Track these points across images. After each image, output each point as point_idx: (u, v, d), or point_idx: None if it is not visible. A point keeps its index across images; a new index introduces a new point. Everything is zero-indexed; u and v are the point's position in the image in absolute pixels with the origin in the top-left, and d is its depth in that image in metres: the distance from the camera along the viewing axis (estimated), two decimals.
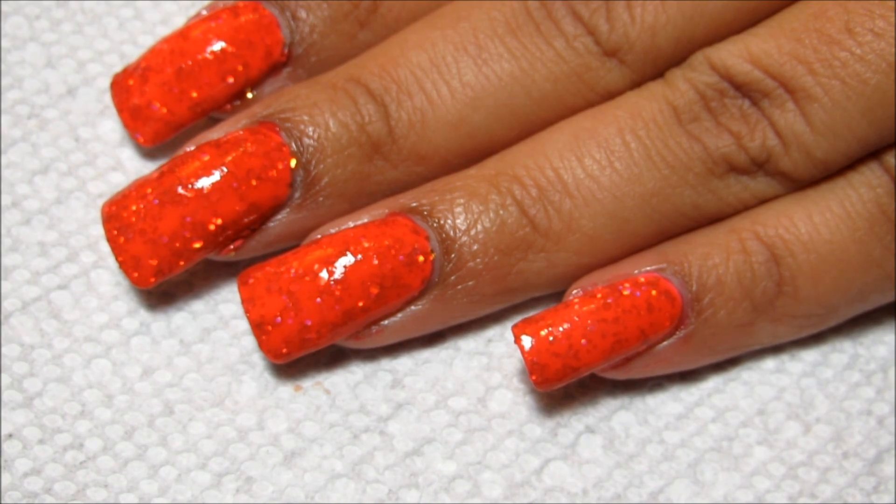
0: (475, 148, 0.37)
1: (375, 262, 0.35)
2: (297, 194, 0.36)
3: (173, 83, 0.37)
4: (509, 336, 0.38)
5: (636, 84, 0.37)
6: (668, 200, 0.36)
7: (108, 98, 0.40)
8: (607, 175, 0.36)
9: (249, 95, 0.38)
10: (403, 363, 0.37)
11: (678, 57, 0.37)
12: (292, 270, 0.35)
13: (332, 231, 0.36)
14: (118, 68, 0.41)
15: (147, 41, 0.41)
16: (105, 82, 0.40)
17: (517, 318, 0.38)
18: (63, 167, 0.39)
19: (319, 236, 0.36)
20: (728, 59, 0.36)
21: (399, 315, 0.36)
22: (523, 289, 0.37)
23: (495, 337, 0.38)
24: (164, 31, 0.41)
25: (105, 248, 0.38)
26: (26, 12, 0.42)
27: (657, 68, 0.37)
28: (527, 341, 0.35)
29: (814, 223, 0.36)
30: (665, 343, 0.36)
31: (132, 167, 0.39)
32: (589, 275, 0.36)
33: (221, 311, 0.38)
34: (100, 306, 0.37)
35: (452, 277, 0.36)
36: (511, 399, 0.37)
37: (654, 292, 0.35)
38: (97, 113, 0.40)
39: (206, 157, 0.35)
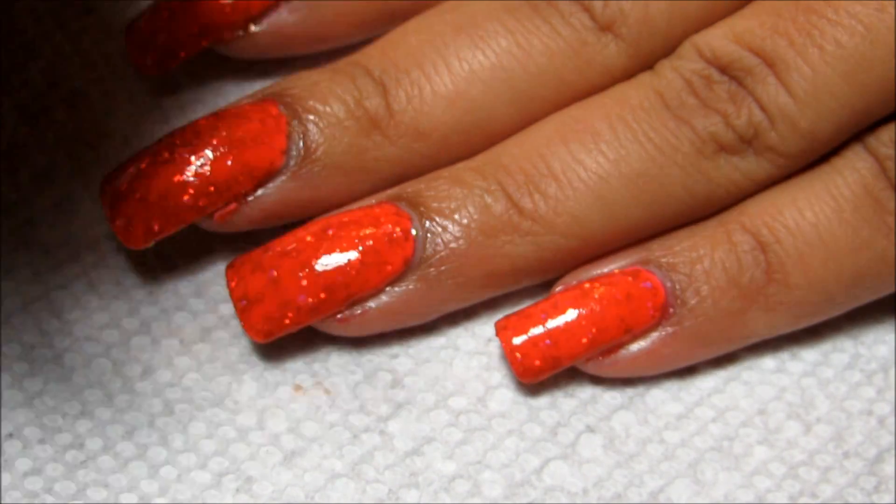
0: (473, 124, 0.37)
1: (356, 239, 0.35)
2: (292, 162, 0.36)
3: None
4: None
5: (633, 61, 0.37)
6: (655, 181, 0.36)
7: (110, 100, 0.41)
8: (593, 157, 0.36)
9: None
10: (403, 363, 0.37)
11: (672, 34, 0.37)
12: (275, 249, 0.36)
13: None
14: (121, 70, 0.41)
15: None
16: (108, 84, 0.41)
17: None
18: (67, 167, 0.39)
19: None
20: (713, 42, 0.36)
21: (383, 296, 0.36)
22: (511, 274, 0.37)
23: (495, 336, 0.38)
24: None
25: (105, 247, 0.38)
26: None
27: (653, 45, 0.37)
28: (507, 334, 0.35)
29: (798, 208, 0.36)
30: (654, 335, 0.36)
31: None
32: (572, 272, 0.37)
33: (222, 311, 0.38)
34: (100, 306, 0.38)
35: (436, 258, 0.36)
36: (511, 399, 0.37)
37: (631, 280, 0.36)
38: (100, 115, 0.40)
39: (203, 122, 0.36)
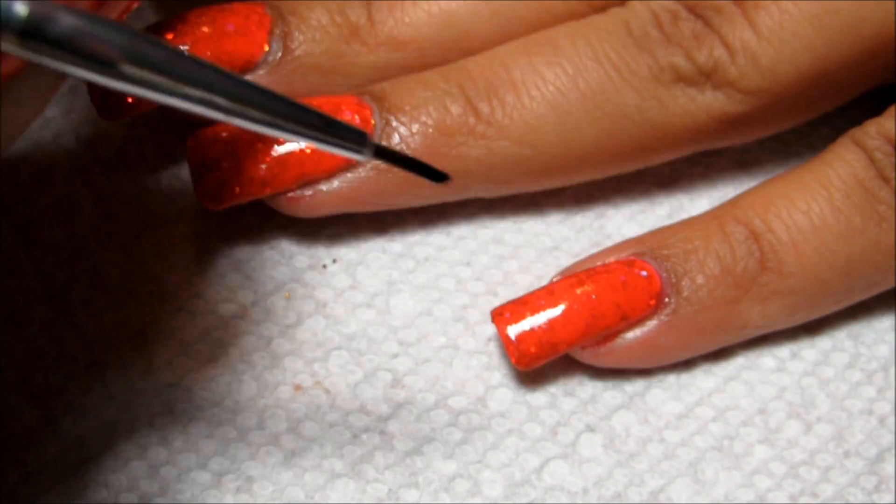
0: (451, 38, 0.38)
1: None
2: (270, 58, 0.38)
3: None
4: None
5: None
6: (610, 100, 0.37)
7: None
8: (552, 70, 0.37)
9: None
10: (403, 362, 0.37)
11: None
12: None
13: None
14: None
15: None
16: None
17: None
18: (64, 169, 0.39)
19: None
20: None
21: (335, 181, 0.37)
22: (463, 175, 0.37)
23: (495, 336, 0.38)
24: None
25: (105, 247, 0.38)
26: None
27: None
28: (503, 320, 0.36)
29: (790, 198, 0.37)
30: (650, 324, 0.36)
31: (133, 168, 0.40)
32: (569, 266, 0.37)
33: (221, 312, 0.38)
34: (102, 307, 0.38)
35: (390, 148, 0.37)
36: (511, 398, 0.37)
37: (627, 268, 0.36)
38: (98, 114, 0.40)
39: (192, 13, 0.38)
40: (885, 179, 0.36)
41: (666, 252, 0.37)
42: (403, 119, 0.37)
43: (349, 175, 0.37)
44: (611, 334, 0.36)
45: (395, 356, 0.37)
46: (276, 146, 0.36)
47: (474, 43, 0.38)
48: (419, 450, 0.36)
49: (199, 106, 0.26)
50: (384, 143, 0.37)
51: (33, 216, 0.39)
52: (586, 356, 0.37)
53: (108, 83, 0.25)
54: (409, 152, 0.37)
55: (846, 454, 0.37)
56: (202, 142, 0.37)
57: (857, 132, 0.37)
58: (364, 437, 0.36)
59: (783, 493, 0.36)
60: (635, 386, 0.37)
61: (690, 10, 0.37)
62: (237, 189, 0.37)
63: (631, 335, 0.36)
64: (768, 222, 0.36)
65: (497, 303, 0.37)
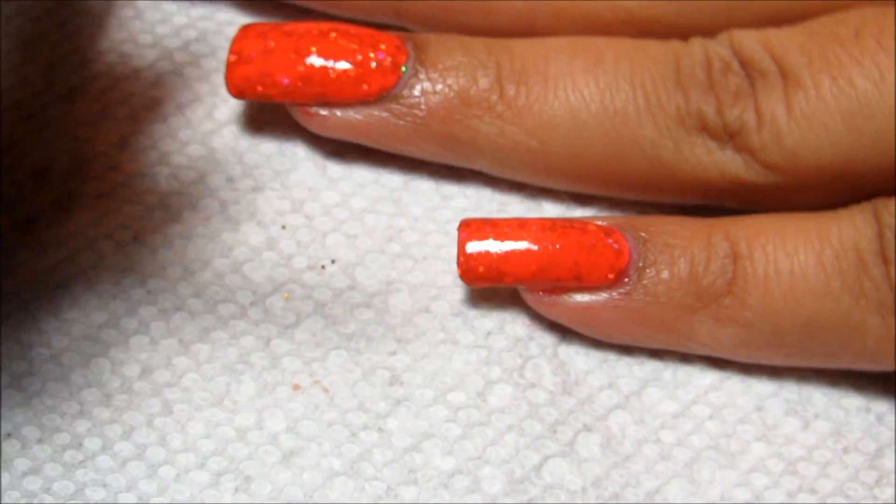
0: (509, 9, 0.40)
1: (350, 53, 0.38)
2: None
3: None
4: (509, 330, 0.38)
5: (645, 8, 0.39)
6: (628, 124, 0.37)
7: (108, 98, 0.41)
8: (585, 78, 0.37)
9: None
10: (401, 359, 0.37)
11: (696, 8, 0.38)
12: (283, 28, 0.38)
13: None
14: (119, 68, 0.41)
15: (147, 39, 0.42)
16: (106, 82, 0.41)
17: (512, 309, 0.38)
18: (63, 167, 0.39)
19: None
20: (745, 39, 0.37)
21: (350, 111, 0.38)
22: (468, 146, 0.38)
23: (494, 330, 0.38)
24: (164, 30, 0.42)
25: (104, 247, 0.38)
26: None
27: (691, 25, 0.38)
28: (466, 231, 0.36)
29: (783, 235, 0.36)
30: (601, 295, 0.36)
31: (132, 168, 0.40)
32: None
33: (220, 312, 0.38)
34: (99, 305, 0.38)
35: (409, 100, 0.38)
36: (511, 394, 0.37)
37: (602, 235, 0.36)
38: (97, 113, 0.40)
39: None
40: (885, 260, 0.35)
41: (646, 236, 0.37)
42: (433, 75, 0.38)
43: (364, 110, 0.38)
44: (560, 288, 0.37)
45: (394, 353, 0.37)
46: (307, 59, 0.38)
47: (534, 27, 0.39)
48: (418, 446, 0.36)
49: None
50: (407, 90, 0.38)
51: (32, 214, 0.39)
52: (530, 299, 0.37)
53: None
54: (423, 107, 0.38)
55: (845, 450, 0.37)
56: (248, 34, 0.38)
57: (880, 203, 0.36)
58: (362, 434, 0.36)
59: (781, 491, 0.36)
60: (631, 385, 0.37)
61: (743, 65, 0.37)
62: (259, 88, 0.38)
63: (579, 297, 0.37)
64: (753, 250, 0.36)
65: (496, 297, 0.37)
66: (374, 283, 0.39)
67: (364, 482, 0.35)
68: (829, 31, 0.36)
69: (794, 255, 0.36)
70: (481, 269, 0.36)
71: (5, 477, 0.35)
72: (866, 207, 0.36)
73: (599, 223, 0.37)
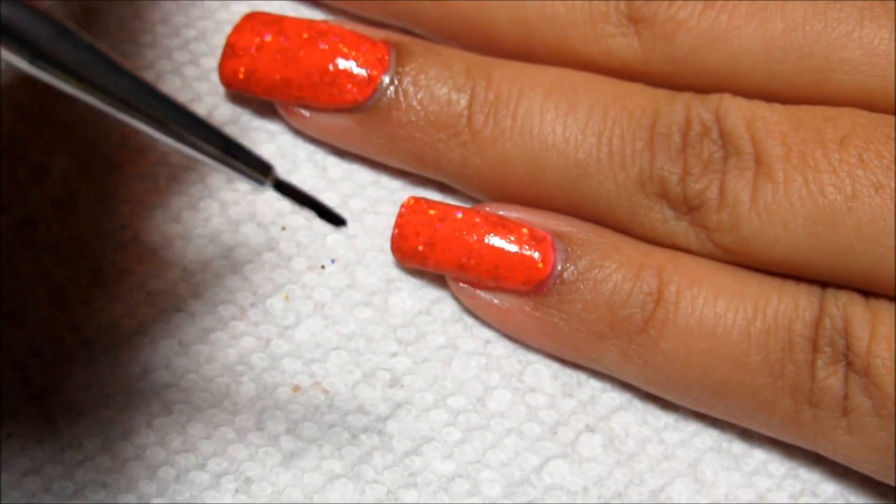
0: (473, 20, 0.39)
1: (332, 58, 0.38)
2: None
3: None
4: (508, 338, 0.38)
5: (638, 65, 0.37)
6: (587, 179, 0.36)
7: None
8: (552, 122, 0.37)
9: None
10: (402, 362, 0.37)
11: (686, 71, 0.37)
12: (281, 23, 0.39)
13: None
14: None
15: (147, 39, 0.42)
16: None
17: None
18: (63, 167, 0.39)
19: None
20: (731, 108, 0.36)
21: (324, 116, 0.39)
22: (433, 166, 0.38)
23: (493, 338, 0.38)
24: (164, 29, 0.42)
25: (104, 247, 0.38)
26: None
27: (663, 68, 0.37)
28: (410, 206, 0.37)
29: (718, 292, 0.35)
30: (517, 301, 0.36)
31: (132, 168, 0.40)
32: (510, 204, 0.37)
33: (220, 313, 0.38)
34: (100, 307, 0.38)
35: (380, 114, 0.38)
36: (510, 398, 0.37)
37: (531, 243, 0.36)
38: (97, 113, 0.40)
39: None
40: (815, 348, 0.34)
41: (579, 253, 0.36)
42: (409, 87, 0.38)
43: (338, 117, 0.38)
44: (481, 284, 0.37)
45: (394, 355, 0.37)
46: (293, 64, 0.38)
47: (496, 35, 0.39)
48: (418, 450, 0.36)
49: (99, 103, 0.27)
50: (382, 105, 0.38)
51: (32, 214, 0.39)
52: (453, 287, 0.38)
53: (21, 66, 0.26)
54: (394, 122, 0.38)
55: None
56: (244, 26, 0.39)
57: (830, 291, 0.35)
58: (363, 437, 0.36)
59: (783, 493, 0.36)
60: (634, 388, 0.37)
61: (722, 135, 0.35)
62: (244, 83, 0.39)
63: (495, 298, 0.37)
64: (681, 295, 0.35)
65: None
66: (374, 280, 0.38)
67: (364, 485, 0.35)
68: (816, 128, 0.35)
69: (722, 314, 0.35)
70: (409, 243, 0.37)
71: (5, 477, 0.35)
72: (813, 288, 0.35)
73: (543, 225, 0.37)
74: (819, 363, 0.34)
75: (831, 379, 0.34)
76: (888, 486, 0.36)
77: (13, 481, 0.35)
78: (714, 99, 0.36)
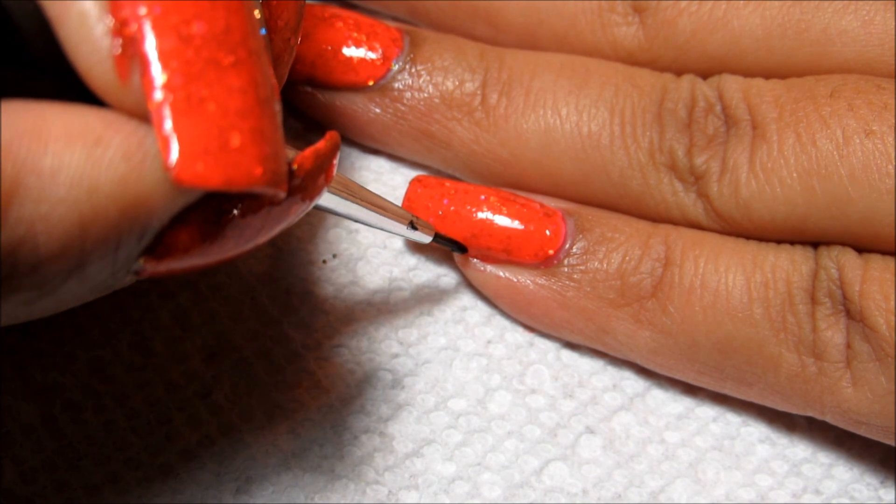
0: (479, 7, 0.40)
1: (345, 40, 0.38)
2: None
3: None
4: (509, 338, 0.38)
5: (642, 54, 0.38)
6: (599, 151, 0.37)
7: None
8: (566, 99, 0.37)
9: None
10: (403, 363, 0.37)
11: (687, 57, 0.38)
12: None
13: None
14: None
15: None
16: None
17: (511, 325, 0.38)
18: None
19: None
20: (730, 84, 0.36)
21: (334, 94, 0.39)
22: (442, 145, 0.39)
23: (494, 339, 0.38)
24: None
25: None
26: None
27: (667, 53, 0.38)
28: (419, 184, 0.38)
29: (718, 253, 0.36)
30: (525, 273, 0.37)
31: None
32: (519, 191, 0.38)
33: (219, 311, 0.38)
34: (100, 306, 0.37)
35: (393, 92, 0.38)
36: (511, 401, 0.37)
37: (543, 219, 0.37)
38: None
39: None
40: (813, 300, 0.34)
41: (588, 226, 0.37)
42: (422, 72, 0.38)
43: (348, 95, 0.39)
44: (490, 257, 0.37)
45: (396, 356, 0.37)
46: (305, 41, 0.38)
47: (502, 20, 0.39)
48: (419, 451, 0.36)
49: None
50: (395, 84, 0.38)
51: None
52: (460, 263, 0.38)
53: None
54: (407, 101, 0.38)
55: (850, 451, 0.37)
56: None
57: (823, 247, 0.35)
58: (364, 438, 0.36)
59: (785, 492, 0.36)
60: (636, 387, 0.37)
61: (725, 109, 0.36)
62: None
63: (503, 272, 0.37)
64: (685, 259, 0.36)
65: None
66: (376, 279, 0.38)
67: (365, 486, 0.35)
68: (808, 87, 0.35)
69: (723, 273, 0.35)
70: (421, 214, 0.37)
71: (5, 477, 0.35)
72: (808, 248, 0.35)
73: (548, 204, 0.37)
74: (819, 314, 0.34)
75: (832, 330, 0.34)
76: (890, 483, 0.36)
77: (13, 480, 0.35)
78: (715, 78, 0.37)
